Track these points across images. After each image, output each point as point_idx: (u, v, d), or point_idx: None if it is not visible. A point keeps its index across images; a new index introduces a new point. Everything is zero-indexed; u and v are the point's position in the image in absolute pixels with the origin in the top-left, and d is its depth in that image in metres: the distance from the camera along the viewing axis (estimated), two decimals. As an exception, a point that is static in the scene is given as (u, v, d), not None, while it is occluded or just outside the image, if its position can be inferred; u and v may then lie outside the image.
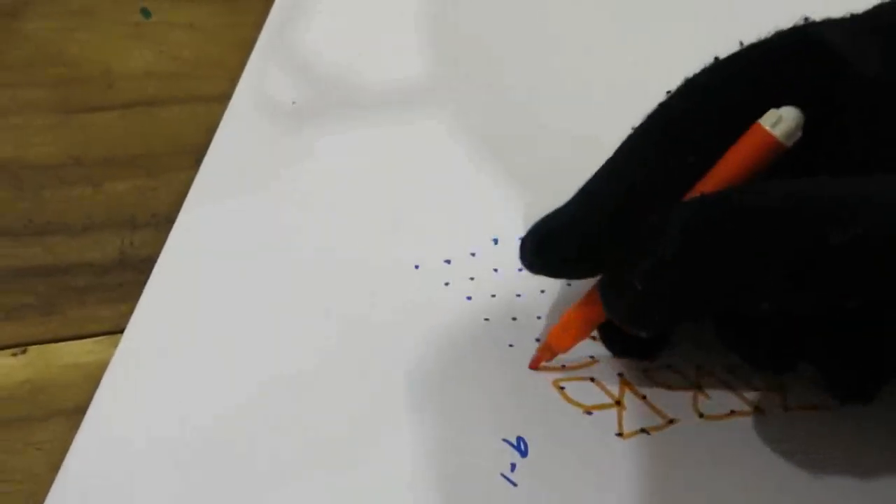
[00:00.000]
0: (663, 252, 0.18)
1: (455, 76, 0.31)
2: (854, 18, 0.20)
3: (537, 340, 0.25)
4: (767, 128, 0.19)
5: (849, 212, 0.17)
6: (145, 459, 0.23)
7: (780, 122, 0.19)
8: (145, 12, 0.33)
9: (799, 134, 0.19)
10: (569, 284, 0.26)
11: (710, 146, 0.20)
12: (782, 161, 0.20)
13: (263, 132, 0.30)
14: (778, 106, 0.19)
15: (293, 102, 0.30)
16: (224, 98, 0.30)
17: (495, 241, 0.27)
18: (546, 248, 0.22)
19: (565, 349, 0.23)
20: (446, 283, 0.26)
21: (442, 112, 0.30)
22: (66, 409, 0.24)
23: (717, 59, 0.21)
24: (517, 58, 0.32)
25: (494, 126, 0.30)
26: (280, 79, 0.31)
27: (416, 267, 0.26)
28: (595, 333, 0.24)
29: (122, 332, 0.25)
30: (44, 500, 0.22)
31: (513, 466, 0.23)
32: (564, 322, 0.23)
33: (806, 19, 0.20)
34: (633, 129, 0.21)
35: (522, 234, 0.27)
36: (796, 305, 0.18)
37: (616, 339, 0.24)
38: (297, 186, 0.28)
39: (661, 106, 0.21)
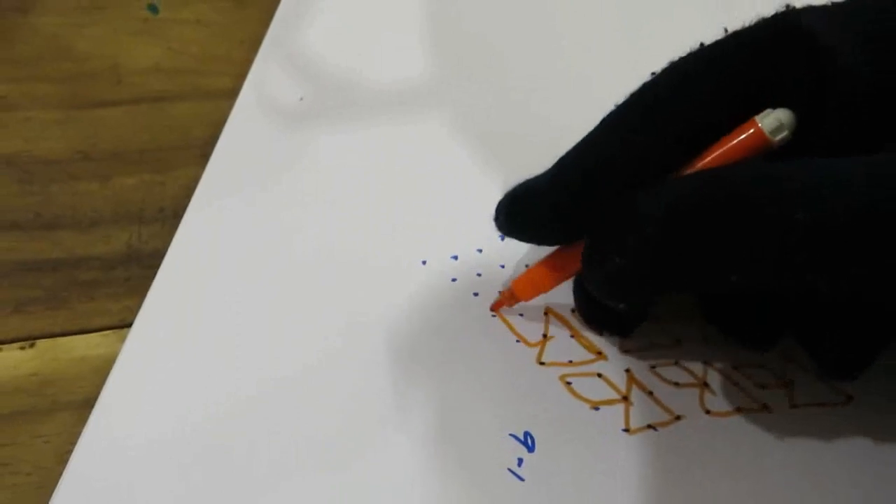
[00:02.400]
0: (643, 231, 0.19)
1: (460, 74, 0.32)
2: (835, 4, 0.21)
3: (500, 293, 0.25)
4: (764, 129, 0.20)
5: (813, 193, 0.17)
6: (153, 453, 0.23)
7: (781, 128, 0.19)
8: (153, 8, 0.33)
9: (790, 137, 0.20)
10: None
11: (688, 130, 0.20)
12: None
13: (271, 128, 0.30)
14: (758, 94, 0.20)
15: (300, 99, 0.30)
16: (232, 94, 0.31)
17: (502, 238, 0.27)
18: (519, 209, 0.22)
19: (527, 299, 0.24)
20: (453, 279, 0.26)
21: (448, 109, 0.30)
22: (73, 402, 0.24)
23: (702, 44, 0.21)
24: (523, 56, 0.32)
25: (500, 124, 0.30)
26: (287, 75, 0.31)
27: (424, 263, 0.26)
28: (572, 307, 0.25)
29: (129, 326, 0.25)
30: (52, 492, 0.22)
31: (520, 461, 0.23)
32: (531, 274, 0.24)
33: (787, 6, 0.21)
34: (615, 105, 0.21)
35: (529, 230, 0.27)
36: (772, 284, 0.19)
37: (593, 313, 0.25)
38: (305, 182, 0.28)
39: (645, 86, 0.21)
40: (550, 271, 0.23)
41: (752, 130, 0.20)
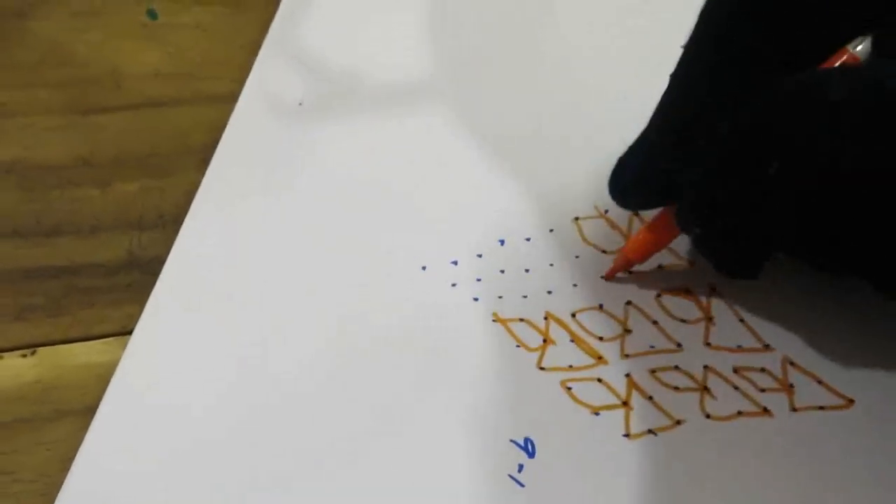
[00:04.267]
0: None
1: (460, 78, 0.31)
2: None
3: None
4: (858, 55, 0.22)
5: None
6: (154, 460, 0.23)
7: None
8: (152, 13, 0.33)
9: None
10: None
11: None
12: None
13: (270, 133, 0.30)
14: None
15: (300, 104, 0.30)
16: (231, 98, 0.30)
17: (501, 243, 0.27)
18: (635, 184, 0.23)
19: (642, 259, 0.25)
20: (453, 285, 0.26)
21: (449, 113, 0.30)
22: (75, 409, 0.24)
23: None
24: (524, 57, 0.32)
25: (501, 127, 0.30)
26: (286, 79, 0.31)
27: (423, 268, 0.26)
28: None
29: (130, 332, 0.25)
30: (54, 499, 0.22)
31: (520, 467, 0.23)
32: (641, 235, 0.25)
33: None
34: (684, 47, 0.21)
35: (529, 235, 0.27)
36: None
37: (714, 256, 0.24)
38: (304, 187, 0.28)
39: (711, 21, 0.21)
40: (661, 231, 0.24)
41: (844, 57, 0.21)
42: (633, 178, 0.23)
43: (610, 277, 0.26)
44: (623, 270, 0.26)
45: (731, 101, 0.21)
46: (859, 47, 0.22)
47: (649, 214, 0.27)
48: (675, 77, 0.22)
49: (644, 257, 0.25)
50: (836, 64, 0.22)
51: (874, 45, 0.22)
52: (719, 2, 0.21)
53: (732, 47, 0.21)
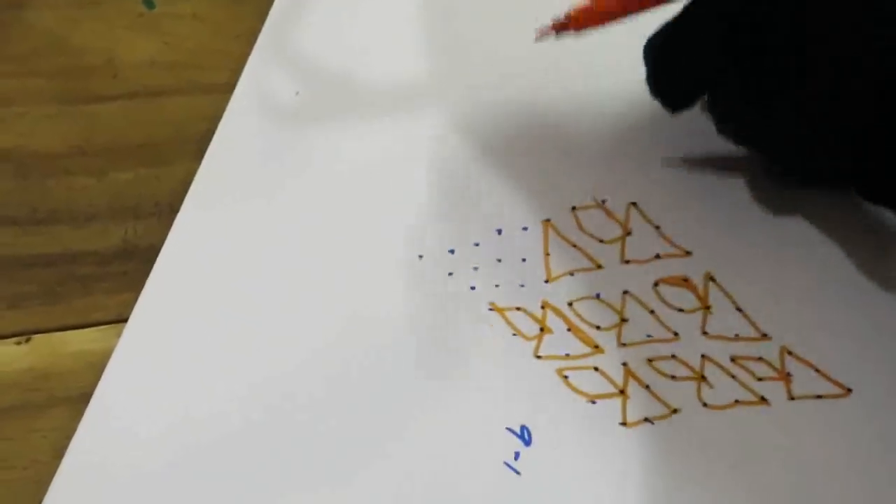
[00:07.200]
0: None
1: (456, 67, 0.31)
2: None
3: None
4: None
5: None
6: (148, 448, 0.23)
7: None
8: (149, 3, 0.33)
9: None
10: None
11: None
12: None
13: (266, 123, 0.30)
14: None
15: (296, 93, 0.30)
16: (227, 88, 0.30)
17: (499, 232, 0.27)
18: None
19: (579, 27, 0.24)
20: (450, 273, 0.26)
21: (444, 102, 0.30)
22: (69, 397, 0.24)
23: None
24: (519, 49, 0.32)
25: (496, 117, 0.30)
26: (283, 69, 0.31)
27: (420, 257, 0.26)
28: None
29: (125, 320, 0.25)
30: (48, 486, 0.22)
31: (517, 455, 0.23)
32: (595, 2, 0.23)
33: None
34: None
35: (525, 224, 0.27)
36: None
37: (662, 80, 0.25)
38: (300, 177, 0.28)
39: None
40: (615, 5, 0.23)
41: None
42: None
43: (539, 36, 0.24)
44: (557, 32, 0.24)
45: None
46: None
47: (647, 210, 0.27)
48: None
49: (586, 26, 0.23)
50: None
51: None
52: None
53: None
